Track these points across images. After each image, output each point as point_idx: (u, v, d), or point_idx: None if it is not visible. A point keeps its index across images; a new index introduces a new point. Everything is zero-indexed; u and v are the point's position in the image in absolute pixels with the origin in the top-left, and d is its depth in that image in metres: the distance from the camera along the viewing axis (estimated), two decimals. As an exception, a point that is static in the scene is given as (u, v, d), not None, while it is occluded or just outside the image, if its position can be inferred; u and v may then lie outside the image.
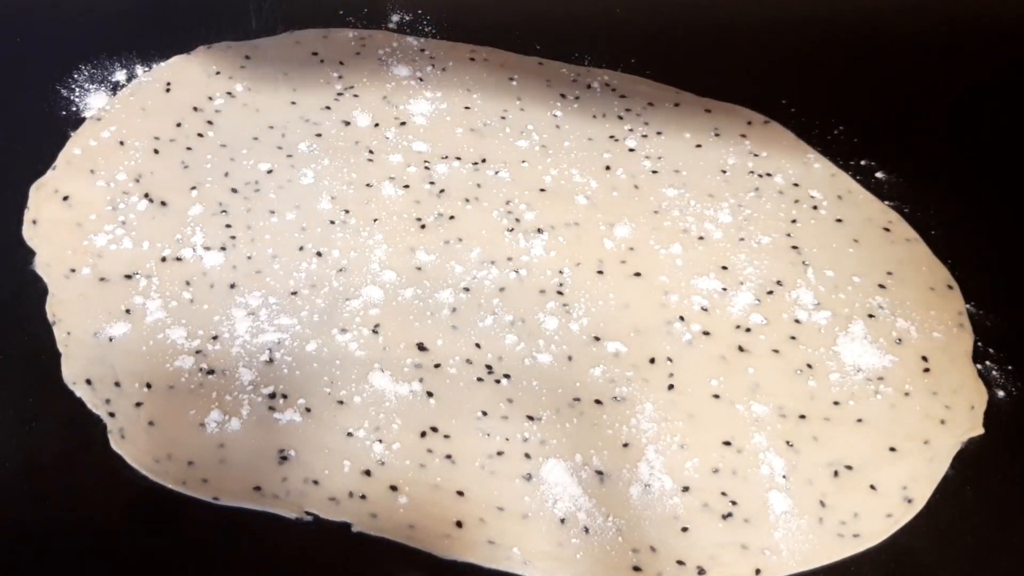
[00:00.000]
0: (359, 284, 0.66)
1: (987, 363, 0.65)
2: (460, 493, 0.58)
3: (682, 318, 0.66)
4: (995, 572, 0.58)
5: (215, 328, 0.64)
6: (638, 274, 0.68)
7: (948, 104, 0.79)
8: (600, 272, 0.68)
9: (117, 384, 0.61)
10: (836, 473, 0.60)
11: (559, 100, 0.78)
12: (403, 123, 0.75)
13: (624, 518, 0.58)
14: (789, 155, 0.76)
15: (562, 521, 0.57)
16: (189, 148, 0.72)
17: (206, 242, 0.67)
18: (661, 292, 0.67)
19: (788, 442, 0.61)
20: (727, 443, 0.61)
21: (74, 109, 0.75)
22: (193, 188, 0.70)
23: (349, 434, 0.60)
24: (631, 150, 0.75)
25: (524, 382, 0.62)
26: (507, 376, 0.63)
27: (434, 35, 0.82)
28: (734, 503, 0.58)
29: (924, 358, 0.65)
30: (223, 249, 0.67)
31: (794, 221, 0.72)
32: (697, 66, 0.80)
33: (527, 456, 0.59)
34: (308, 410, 0.61)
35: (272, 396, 0.61)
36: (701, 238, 0.70)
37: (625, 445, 0.60)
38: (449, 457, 0.59)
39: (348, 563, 0.56)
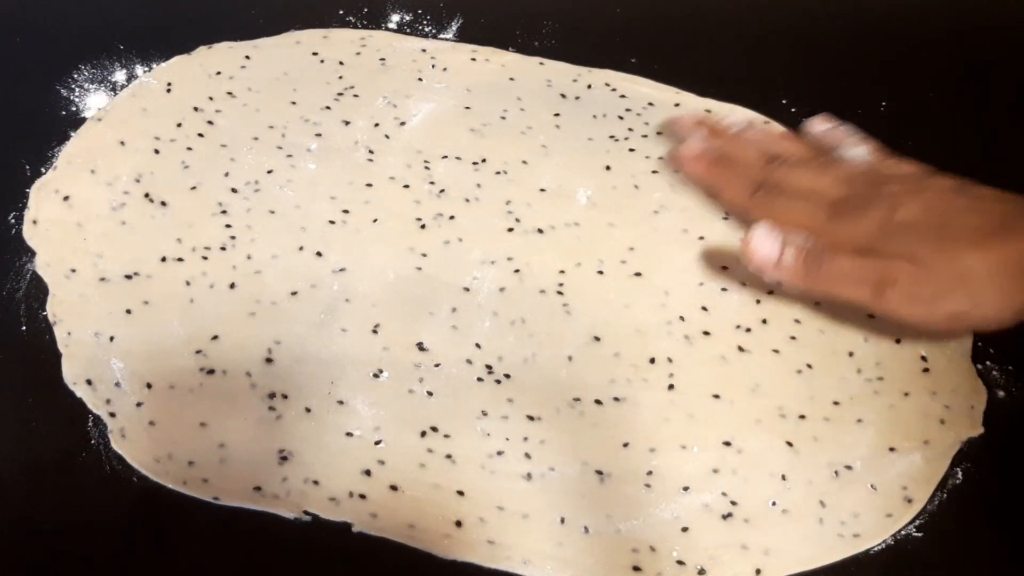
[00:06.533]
0: (359, 284, 0.66)
1: (987, 363, 0.65)
2: (460, 493, 0.58)
3: (682, 318, 0.65)
4: (995, 572, 0.58)
5: (215, 328, 0.64)
6: (638, 274, 0.68)
7: (949, 104, 0.79)
8: (600, 272, 0.68)
9: (117, 384, 0.61)
10: (836, 473, 0.60)
11: (559, 100, 0.78)
12: (403, 123, 0.75)
13: (624, 518, 0.58)
14: (789, 155, 0.76)
15: (562, 521, 0.57)
16: (189, 148, 0.72)
17: (206, 242, 0.67)
18: (661, 292, 0.67)
19: (788, 442, 0.61)
20: (727, 443, 0.61)
21: (74, 109, 0.75)
22: (193, 188, 0.70)
23: (349, 434, 0.60)
24: (631, 150, 0.75)
25: (524, 382, 0.62)
26: (507, 376, 0.63)
27: (434, 35, 0.82)
28: (734, 503, 0.58)
29: (923, 358, 0.65)
30: (223, 249, 0.67)
31: (794, 221, 0.72)
32: (697, 66, 0.80)
33: (527, 456, 0.60)
34: (308, 410, 0.61)
35: (272, 396, 0.61)
36: (701, 238, 0.70)
37: (625, 445, 0.60)
38: (449, 457, 0.59)
39: (348, 563, 0.56)
